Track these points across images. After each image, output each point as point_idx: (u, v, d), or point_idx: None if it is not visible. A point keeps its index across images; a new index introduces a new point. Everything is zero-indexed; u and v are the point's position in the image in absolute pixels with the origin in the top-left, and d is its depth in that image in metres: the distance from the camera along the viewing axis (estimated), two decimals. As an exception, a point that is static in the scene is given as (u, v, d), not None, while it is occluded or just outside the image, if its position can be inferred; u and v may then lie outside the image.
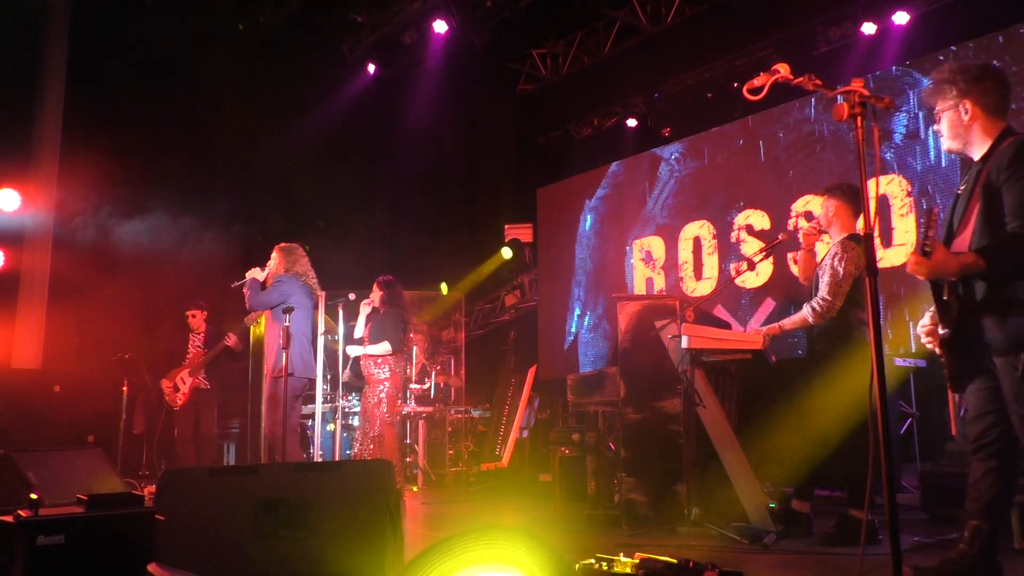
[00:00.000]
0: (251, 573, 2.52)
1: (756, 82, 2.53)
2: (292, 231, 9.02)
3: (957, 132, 2.96)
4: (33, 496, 2.58)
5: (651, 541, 4.00)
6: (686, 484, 4.22)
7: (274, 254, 5.88)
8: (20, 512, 2.47)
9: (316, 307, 6.33)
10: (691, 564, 2.58)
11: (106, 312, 7.73)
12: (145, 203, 7.91)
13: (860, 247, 3.97)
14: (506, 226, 10.18)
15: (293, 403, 5.51)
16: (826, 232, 4.27)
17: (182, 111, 8.47)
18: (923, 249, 2.77)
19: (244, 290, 5.71)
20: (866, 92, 2.30)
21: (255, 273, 5.72)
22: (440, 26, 7.97)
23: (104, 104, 7.82)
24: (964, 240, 2.89)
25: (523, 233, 10.08)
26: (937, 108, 3.00)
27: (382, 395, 6.29)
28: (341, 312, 7.67)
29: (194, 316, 7.18)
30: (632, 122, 8.86)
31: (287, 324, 5.25)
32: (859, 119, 2.28)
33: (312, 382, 6.12)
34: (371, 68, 9.05)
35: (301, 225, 9.56)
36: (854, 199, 4.20)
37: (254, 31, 8.73)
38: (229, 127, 9.08)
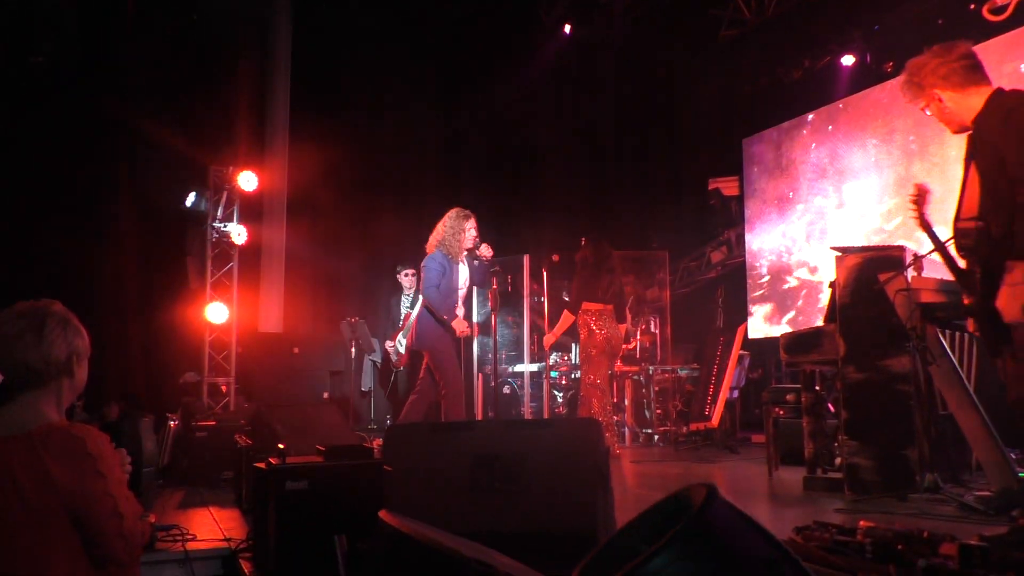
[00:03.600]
0: (468, 524, 2.65)
1: (999, 0, 2.23)
2: (497, 198, 9.30)
3: (948, 118, 2.84)
4: (281, 446, 2.87)
5: (877, 508, 3.74)
6: (918, 448, 3.90)
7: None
8: (271, 460, 2.76)
9: None
10: (925, 534, 2.35)
11: (334, 279, 8.43)
12: (363, 178, 8.48)
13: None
14: (710, 180, 9.82)
15: None
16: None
17: (390, 90, 8.96)
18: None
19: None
20: None
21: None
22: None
23: (325, 91, 8.47)
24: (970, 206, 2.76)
25: (729, 186, 9.67)
26: (919, 106, 2.89)
27: (585, 356, 6.34)
28: (546, 274, 7.80)
29: (407, 275, 7.42)
30: (849, 59, 8.14)
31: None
32: None
33: None
34: (567, 29, 9.03)
35: (504, 190, 9.82)
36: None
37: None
38: (432, 97, 9.47)
